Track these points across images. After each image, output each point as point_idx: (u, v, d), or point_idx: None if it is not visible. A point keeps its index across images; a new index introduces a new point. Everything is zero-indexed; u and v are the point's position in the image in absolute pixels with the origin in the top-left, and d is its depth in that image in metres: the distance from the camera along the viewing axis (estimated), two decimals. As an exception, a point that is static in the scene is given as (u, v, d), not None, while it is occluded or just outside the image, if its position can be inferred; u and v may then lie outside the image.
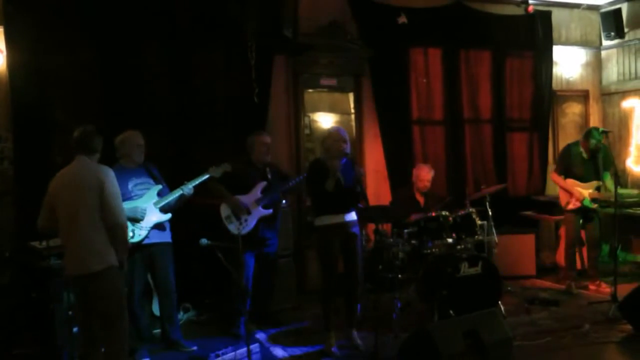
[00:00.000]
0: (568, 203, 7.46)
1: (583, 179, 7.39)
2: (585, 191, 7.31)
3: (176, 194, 5.69)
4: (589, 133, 7.40)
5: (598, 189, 7.33)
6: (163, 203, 5.63)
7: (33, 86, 6.49)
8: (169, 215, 5.70)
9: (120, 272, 4.61)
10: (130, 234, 5.22)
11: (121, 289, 4.66)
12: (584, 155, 7.43)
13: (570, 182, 7.44)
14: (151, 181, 5.72)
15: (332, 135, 5.74)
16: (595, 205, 7.39)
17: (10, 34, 6.40)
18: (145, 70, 7.04)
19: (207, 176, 5.87)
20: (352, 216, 5.76)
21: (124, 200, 4.81)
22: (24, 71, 6.45)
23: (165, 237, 5.75)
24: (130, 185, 5.54)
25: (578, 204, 7.36)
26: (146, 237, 5.54)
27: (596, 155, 7.43)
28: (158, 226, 5.64)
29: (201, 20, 7.14)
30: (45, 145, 6.53)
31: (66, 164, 4.66)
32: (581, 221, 7.56)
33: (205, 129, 7.23)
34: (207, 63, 7.31)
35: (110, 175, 4.56)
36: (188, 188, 5.74)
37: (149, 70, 7.06)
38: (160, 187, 5.72)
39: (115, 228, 4.52)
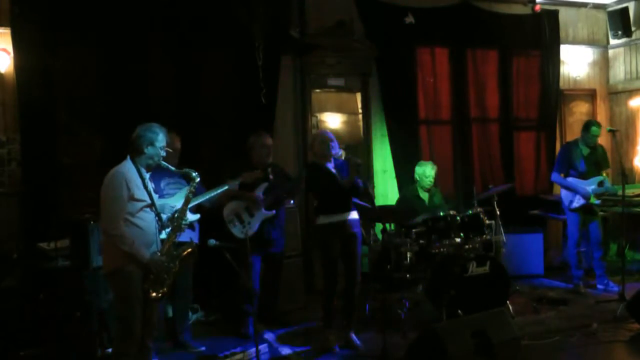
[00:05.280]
0: (572, 202, 7.44)
1: (585, 175, 7.38)
2: (589, 187, 7.31)
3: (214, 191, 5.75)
4: (588, 124, 7.48)
5: (601, 183, 7.31)
6: (193, 203, 5.64)
7: (40, 87, 6.50)
8: (197, 216, 5.70)
9: (130, 277, 4.32)
10: None
11: (128, 295, 4.33)
12: (584, 151, 7.45)
13: (572, 181, 7.43)
14: (183, 182, 5.76)
15: (319, 138, 5.85)
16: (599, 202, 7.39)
17: (17, 36, 6.42)
18: (152, 71, 7.04)
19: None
20: (353, 215, 5.77)
21: None
22: (31, 73, 6.46)
23: (194, 237, 5.76)
24: (162, 184, 5.60)
25: (582, 202, 7.34)
26: None
27: (595, 150, 7.46)
28: (188, 226, 5.66)
29: (208, 21, 7.14)
30: (52, 146, 6.56)
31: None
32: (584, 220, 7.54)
33: (212, 130, 7.22)
34: (214, 64, 7.31)
35: (110, 178, 4.36)
36: (233, 184, 5.82)
37: (155, 71, 7.06)
38: None
39: (104, 234, 4.39)
